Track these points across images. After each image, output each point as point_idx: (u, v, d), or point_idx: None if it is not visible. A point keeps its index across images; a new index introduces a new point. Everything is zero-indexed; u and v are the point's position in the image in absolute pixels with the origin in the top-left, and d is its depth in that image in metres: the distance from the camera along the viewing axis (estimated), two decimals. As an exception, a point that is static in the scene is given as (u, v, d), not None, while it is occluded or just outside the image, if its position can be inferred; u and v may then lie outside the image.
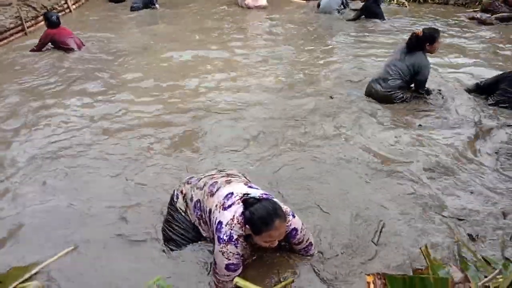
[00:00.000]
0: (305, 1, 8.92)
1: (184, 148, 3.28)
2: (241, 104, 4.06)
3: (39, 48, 5.63)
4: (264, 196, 1.89)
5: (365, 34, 6.49)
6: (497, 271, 1.77)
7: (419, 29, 3.96)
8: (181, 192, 2.27)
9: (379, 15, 7.25)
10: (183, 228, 2.20)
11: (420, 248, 1.75)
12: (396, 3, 8.49)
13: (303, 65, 5.14)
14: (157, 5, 8.32)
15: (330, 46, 5.91)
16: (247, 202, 1.81)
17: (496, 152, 3.16)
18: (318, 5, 8.04)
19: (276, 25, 7.12)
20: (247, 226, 1.80)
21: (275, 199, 1.88)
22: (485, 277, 1.72)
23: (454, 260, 2.07)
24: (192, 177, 2.34)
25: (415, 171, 2.91)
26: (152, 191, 2.74)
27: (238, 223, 1.83)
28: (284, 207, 1.91)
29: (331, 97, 4.18)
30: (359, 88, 4.34)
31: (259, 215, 1.75)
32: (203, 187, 2.13)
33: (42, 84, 4.60)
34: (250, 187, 2.02)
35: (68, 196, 2.70)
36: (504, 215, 2.46)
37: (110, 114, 3.88)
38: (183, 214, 2.22)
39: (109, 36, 6.41)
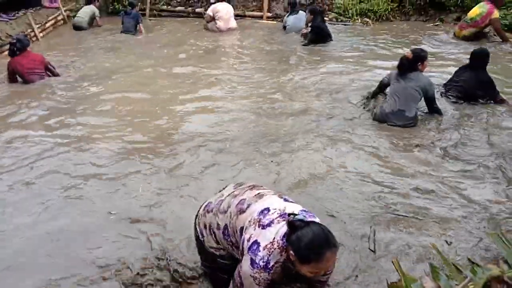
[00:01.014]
0: (273, 22, 9.16)
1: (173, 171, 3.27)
2: (219, 124, 4.11)
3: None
4: (310, 216, 1.67)
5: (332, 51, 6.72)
6: (468, 279, 1.84)
7: (408, 51, 4.12)
8: (204, 226, 1.96)
9: (330, 35, 7.31)
10: (229, 266, 1.87)
11: (392, 261, 1.81)
12: (360, 22, 8.82)
13: (278, 84, 5.25)
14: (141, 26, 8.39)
15: (302, 67, 6.07)
16: (294, 225, 1.56)
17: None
18: (284, 27, 8.22)
19: (249, 46, 7.25)
20: (291, 252, 1.56)
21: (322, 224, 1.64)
22: (456, 285, 1.78)
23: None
24: (209, 202, 2.02)
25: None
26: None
27: (278, 248, 1.60)
28: None
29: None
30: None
31: (309, 242, 1.52)
32: (228, 209, 1.86)
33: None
34: (286, 200, 1.79)
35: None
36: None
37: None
38: (218, 251, 1.92)
39: (80, 60, 6.42)
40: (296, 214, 1.61)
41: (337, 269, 2.05)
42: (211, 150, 3.60)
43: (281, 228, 1.61)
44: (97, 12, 9.02)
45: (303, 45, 7.16)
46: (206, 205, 2.02)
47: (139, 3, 9.79)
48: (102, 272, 2.28)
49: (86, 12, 8.85)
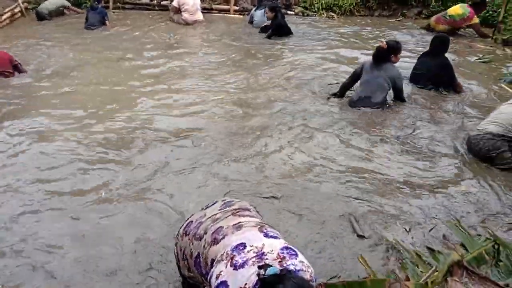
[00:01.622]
0: (240, 16, 9.14)
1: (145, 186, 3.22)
2: (188, 122, 4.03)
3: None
4: (290, 255, 1.47)
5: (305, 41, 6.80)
6: (433, 268, 1.95)
7: (382, 41, 4.26)
8: (180, 249, 1.80)
9: (291, 31, 7.44)
10: None
11: (358, 258, 1.87)
12: (326, 16, 8.96)
13: (246, 78, 5.25)
14: (107, 22, 8.12)
15: (270, 60, 6.10)
16: (265, 282, 1.36)
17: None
18: (251, 22, 8.22)
19: (215, 40, 7.18)
20: None
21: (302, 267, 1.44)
22: (421, 272, 1.89)
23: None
24: (190, 222, 1.84)
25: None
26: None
27: None
28: (309, 274, 1.45)
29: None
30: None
31: None
32: (203, 235, 1.69)
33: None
34: (266, 235, 1.57)
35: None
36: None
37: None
38: (191, 279, 1.77)
39: (37, 55, 6.16)
40: (269, 266, 1.39)
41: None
42: (182, 146, 3.56)
43: (254, 275, 1.40)
44: (66, 3, 8.79)
45: (264, 37, 7.29)
46: (186, 225, 1.87)
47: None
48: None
49: (52, 2, 8.65)
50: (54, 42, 6.94)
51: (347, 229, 2.53)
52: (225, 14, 9.25)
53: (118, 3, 9.57)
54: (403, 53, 4.50)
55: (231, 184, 3.02)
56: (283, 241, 1.55)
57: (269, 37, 7.28)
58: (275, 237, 1.57)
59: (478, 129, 3.45)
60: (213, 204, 1.90)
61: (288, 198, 2.85)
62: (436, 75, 4.62)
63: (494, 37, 6.91)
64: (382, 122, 4.03)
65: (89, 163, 3.29)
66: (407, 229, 2.50)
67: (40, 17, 8.53)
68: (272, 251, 1.46)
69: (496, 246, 2.09)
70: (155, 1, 9.63)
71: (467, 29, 7.32)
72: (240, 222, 1.65)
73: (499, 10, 7.26)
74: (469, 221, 2.61)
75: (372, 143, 3.61)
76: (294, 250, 1.50)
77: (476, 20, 7.06)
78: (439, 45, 4.67)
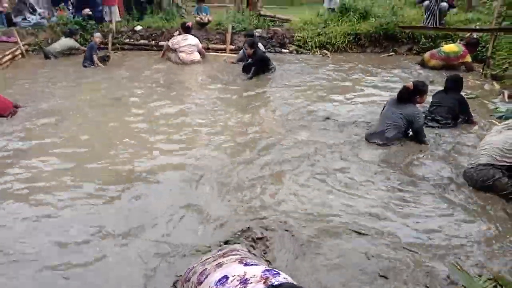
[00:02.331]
0: (236, 54, 9.35)
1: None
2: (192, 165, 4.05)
3: None
4: (272, 275, 1.49)
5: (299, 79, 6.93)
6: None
7: (410, 83, 4.31)
8: None
9: (272, 63, 7.54)
10: None
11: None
12: (319, 54, 9.20)
13: (243, 116, 5.31)
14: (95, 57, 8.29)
15: (270, 97, 6.20)
16: None
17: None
18: (240, 60, 8.26)
19: (211, 79, 7.30)
20: None
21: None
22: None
23: None
24: (193, 266, 1.90)
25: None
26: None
27: None
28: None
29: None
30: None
31: None
32: (191, 277, 1.76)
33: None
34: (246, 264, 1.61)
35: None
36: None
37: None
38: None
39: (34, 95, 6.20)
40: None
41: None
42: (181, 186, 3.56)
43: None
44: (77, 45, 9.07)
45: (249, 78, 7.14)
46: (188, 271, 1.91)
47: (102, 37, 9.79)
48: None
49: (62, 44, 8.94)
50: (53, 83, 7.02)
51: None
52: (222, 53, 9.47)
53: (116, 44, 9.81)
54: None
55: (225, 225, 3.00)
56: (265, 266, 1.58)
57: (254, 75, 7.18)
58: (256, 265, 1.60)
59: (471, 163, 3.55)
60: (217, 251, 1.98)
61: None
62: (453, 108, 4.80)
63: (484, 72, 7.09)
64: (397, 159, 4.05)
65: (88, 204, 3.27)
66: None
67: (47, 56, 8.75)
68: (254, 275, 1.49)
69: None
70: (153, 42, 9.87)
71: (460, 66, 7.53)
72: (222, 261, 1.71)
73: (487, 45, 7.49)
74: (471, 260, 2.58)
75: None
76: (276, 270, 1.53)
77: (469, 58, 7.37)
78: (453, 83, 4.91)
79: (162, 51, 8.77)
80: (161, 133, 4.78)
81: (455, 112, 4.79)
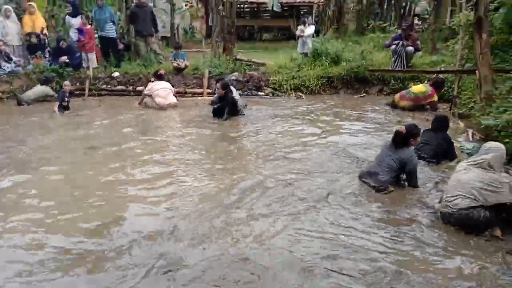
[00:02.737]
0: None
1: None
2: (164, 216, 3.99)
3: None
4: None
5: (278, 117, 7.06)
6: None
7: (402, 127, 4.44)
8: None
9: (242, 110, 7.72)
10: None
11: None
12: (294, 96, 9.48)
13: (222, 160, 5.33)
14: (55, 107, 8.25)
15: (245, 139, 6.28)
16: None
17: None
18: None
19: (187, 124, 7.35)
20: None
21: None
22: None
23: None
24: None
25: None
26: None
27: None
28: None
29: None
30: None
31: None
32: None
33: None
34: None
35: None
36: None
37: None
38: None
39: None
40: None
41: None
42: (161, 239, 3.48)
43: None
44: (51, 92, 9.08)
45: (224, 119, 7.31)
46: None
47: (77, 83, 9.83)
48: None
49: (36, 91, 9.00)
50: (24, 130, 6.92)
51: None
52: (199, 98, 9.61)
53: (93, 90, 9.84)
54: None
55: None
56: None
57: (227, 117, 7.33)
58: None
59: (447, 205, 3.56)
60: None
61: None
62: (441, 147, 4.99)
63: (451, 111, 7.41)
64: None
65: (57, 259, 3.15)
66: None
67: (20, 103, 8.73)
68: None
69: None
70: (131, 88, 9.95)
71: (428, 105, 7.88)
72: None
73: (453, 86, 7.90)
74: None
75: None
76: None
77: (435, 98, 7.75)
78: (441, 123, 5.17)
79: (140, 100, 8.80)
80: (137, 181, 4.71)
81: (441, 150, 4.98)
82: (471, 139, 5.94)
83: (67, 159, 5.46)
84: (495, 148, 3.61)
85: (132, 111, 8.34)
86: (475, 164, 3.59)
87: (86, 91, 9.75)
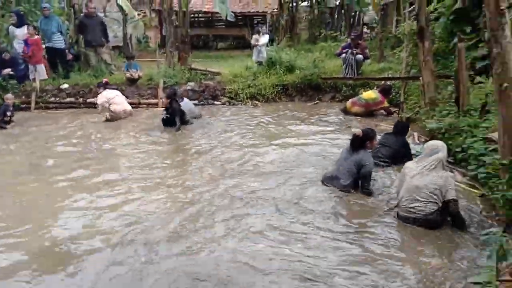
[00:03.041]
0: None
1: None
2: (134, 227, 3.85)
3: None
4: None
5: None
6: None
7: (358, 130, 4.60)
8: None
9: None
10: None
11: None
12: (251, 104, 9.55)
13: (179, 174, 5.25)
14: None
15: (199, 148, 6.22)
16: None
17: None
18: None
19: (140, 135, 7.18)
20: None
21: None
22: None
23: None
24: None
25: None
26: None
27: None
28: None
29: None
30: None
31: None
32: None
33: None
34: None
35: None
36: None
37: None
38: None
39: None
40: None
41: None
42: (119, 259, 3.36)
43: None
44: None
45: (176, 130, 7.22)
46: None
47: (23, 96, 9.36)
48: None
49: None
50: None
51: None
52: (154, 108, 9.44)
53: (40, 103, 9.40)
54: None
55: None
56: None
57: (179, 127, 7.26)
58: None
59: (410, 210, 3.71)
60: None
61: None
62: (398, 150, 5.21)
63: (399, 115, 7.77)
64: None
65: None
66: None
67: None
68: None
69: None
70: (81, 100, 9.60)
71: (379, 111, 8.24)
72: None
73: (400, 92, 8.29)
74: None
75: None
76: None
77: (386, 103, 8.15)
78: (402, 128, 5.45)
79: (101, 111, 8.35)
80: (88, 196, 4.55)
81: (399, 154, 5.17)
82: (417, 141, 6.24)
83: (7, 179, 5.15)
84: (442, 147, 3.86)
85: (82, 123, 8.05)
86: (427, 167, 3.73)
87: (32, 104, 9.30)
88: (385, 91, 8.23)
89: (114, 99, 8.30)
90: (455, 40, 7.02)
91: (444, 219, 3.68)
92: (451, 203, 3.59)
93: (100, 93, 8.40)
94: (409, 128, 5.66)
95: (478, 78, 6.47)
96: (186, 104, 8.18)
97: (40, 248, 3.47)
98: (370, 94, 8.28)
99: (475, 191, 4.39)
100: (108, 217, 4.03)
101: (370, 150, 4.76)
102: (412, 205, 3.68)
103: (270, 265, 3.12)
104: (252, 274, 3.02)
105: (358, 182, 4.49)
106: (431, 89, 6.75)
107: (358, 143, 4.54)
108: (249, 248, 3.39)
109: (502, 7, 3.28)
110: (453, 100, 6.12)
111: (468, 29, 7.70)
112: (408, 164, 3.99)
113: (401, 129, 5.47)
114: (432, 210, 3.61)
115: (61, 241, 3.57)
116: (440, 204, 3.61)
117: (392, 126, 5.68)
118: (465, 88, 5.78)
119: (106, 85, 8.57)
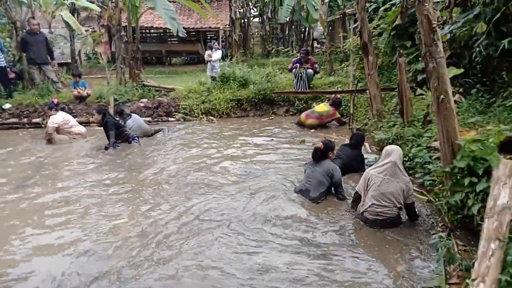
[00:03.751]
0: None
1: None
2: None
3: None
4: None
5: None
6: None
7: (319, 143, 4.75)
8: None
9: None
10: None
11: None
12: (206, 120, 9.51)
13: (137, 192, 5.10)
14: None
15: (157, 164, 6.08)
16: None
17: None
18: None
19: (92, 156, 6.92)
20: None
21: None
22: None
23: None
24: None
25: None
26: None
27: None
28: None
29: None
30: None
31: None
32: None
33: None
34: None
35: None
36: None
37: None
38: None
39: None
40: None
41: None
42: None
43: None
44: None
45: (112, 146, 7.04)
46: None
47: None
48: None
49: None
50: None
51: None
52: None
53: (-21, 124, 8.84)
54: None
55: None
56: None
57: (113, 143, 7.01)
58: None
59: (378, 213, 3.96)
60: None
61: None
62: (353, 162, 5.42)
63: (349, 127, 8.07)
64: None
65: None
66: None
67: None
68: None
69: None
70: (25, 120, 9.11)
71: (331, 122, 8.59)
72: None
73: (349, 104, 8.62)
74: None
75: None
76: None
77: (338, 115, 8.57)
78: (358, 141, 5.63)
79: (47, 136, 7.70)
80: (34, 223, 4.30)
81: (352, 165, 5.38)
82: (369, 151, 6.49)
83: None
84: (394, 150, 4.15)
85: (26, 146, 7.60)
86: (389, 174, 3.99)
87: (-30, 125, 8.71)
88: (336, 104, 8.57)
89: (72, 121, 7.99)
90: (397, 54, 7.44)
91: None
92: (411, 204, 4.05)
93: (51, 115, 7.82)
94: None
95: (419, 90, 6.86)
96: (136, 121, 8.02)
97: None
98: (323, 107, 8.58)
99: (423, 197, 4.61)
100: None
101: (331, 160, 4.94)
102: (379, 210, 3.98)
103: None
104: None
105: (326, 193, 4.65)
106: (377, 101, 7.08)
107: (321, 154, 4.74)
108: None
109: (434, 25, 3.52)
110: (398, 112, 6.44)
111: (409, 44, 8.19)
112: (371, 172, 4.15)
113: (356, 142, 5.64)
114: (397, 213, 3.98)
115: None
116: (401, 206, 3.99)
117: (346, 137, 5.88)
118: (408, 100, 6.11)
119: (57, 106, 8.19)
